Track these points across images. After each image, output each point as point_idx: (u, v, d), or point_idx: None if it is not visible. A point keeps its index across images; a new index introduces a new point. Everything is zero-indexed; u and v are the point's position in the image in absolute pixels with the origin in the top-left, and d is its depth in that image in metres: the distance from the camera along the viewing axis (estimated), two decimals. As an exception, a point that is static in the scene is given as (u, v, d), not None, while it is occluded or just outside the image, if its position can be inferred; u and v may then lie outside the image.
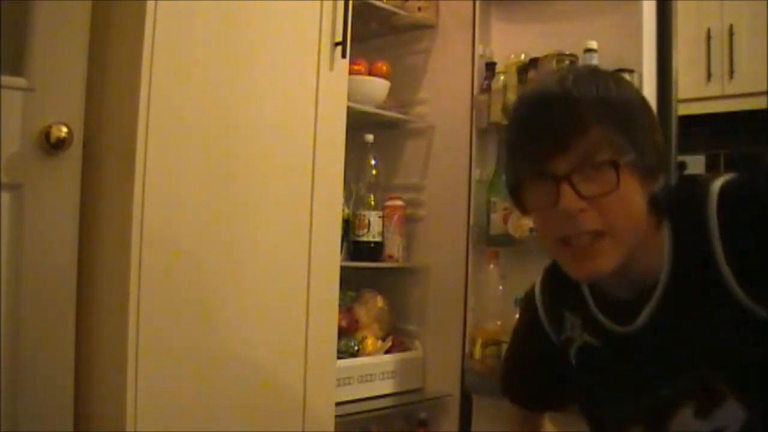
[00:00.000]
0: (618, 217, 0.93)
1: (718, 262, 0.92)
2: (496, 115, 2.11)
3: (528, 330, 1.24)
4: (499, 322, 2.06)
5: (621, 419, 1.06)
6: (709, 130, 2.67)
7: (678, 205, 0.99)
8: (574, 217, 0.92)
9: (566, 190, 0.91)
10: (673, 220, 0.98)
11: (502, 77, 2.12)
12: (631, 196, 0.93)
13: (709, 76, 2.11)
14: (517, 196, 1.02)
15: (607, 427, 1.10)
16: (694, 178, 0.99)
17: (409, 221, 2.27)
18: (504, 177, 1.03)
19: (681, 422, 0.97)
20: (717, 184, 0.94)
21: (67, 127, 1.44)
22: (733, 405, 0.93)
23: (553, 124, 0.93)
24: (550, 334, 1.16)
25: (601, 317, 1.05)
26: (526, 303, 1.24)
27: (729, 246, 0.91)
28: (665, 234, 0.98)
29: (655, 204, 0.98)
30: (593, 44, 1.91)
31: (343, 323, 2.03)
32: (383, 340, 2.15)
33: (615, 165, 0.91)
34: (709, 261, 0.92)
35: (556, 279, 1.11)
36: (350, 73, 1.88)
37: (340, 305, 1.85)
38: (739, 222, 0.91)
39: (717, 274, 0.92)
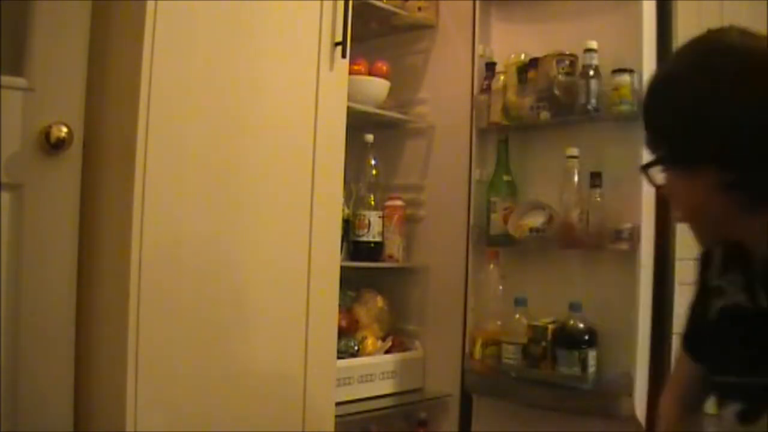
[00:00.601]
0: (679, 206, 1.04)
1: None
2: (496, 115, 2.11)
3: (700, 269, 1.22)
4: (499, 322, 2.06)
5: (728, 388, 1.06)
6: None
7: None
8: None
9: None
10: None
11: (502, 77, 2.12)
12: (681, 192, 1.02)
13: (709, 76, 2.11)
14: None
15: (713, 390, 1.11)
16: None
17: (409, 221, 2.27)
18: None
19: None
20: None
21: (67, 127, 1.44)
22: None
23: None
24: (710, 276, 1.16)
25: (757, 285, 1.04)
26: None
27: None
28: None
29: (744, 190, 0.97)
30: (593, 44, 1.91)
31: (343, 323, 2.03)
32: (383, 340, 2.15)
33: (646, 166, 1.03)
34: None
35: None
36: (350, 73, 1.88)
37: (340, 305, 1.85)
38: None
39: None
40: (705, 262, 1.17)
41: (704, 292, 1.15)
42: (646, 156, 1.05)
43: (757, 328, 1.03)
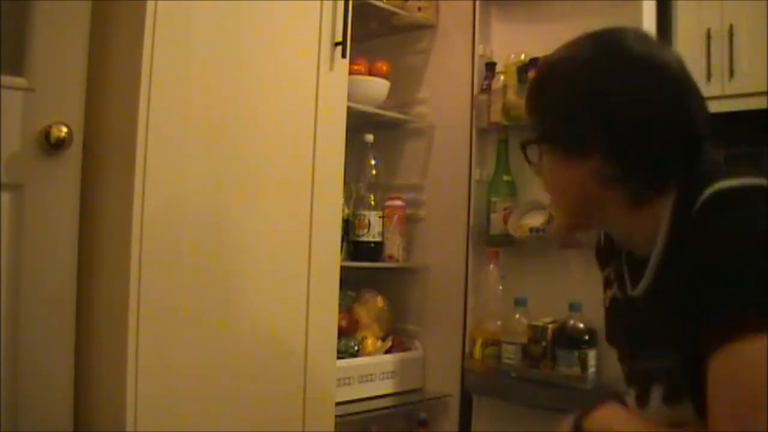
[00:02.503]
0: (549, 183, 1.07)
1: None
2: (496, 115, 2.11)
3: (598, 262, 1.26)
4: (499, 322, 2.06)
5: (625, 375, 1.10)
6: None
7: (685, 189, 0.96)
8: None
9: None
10: (676, 200, 0.96)
11: (502, 77, 2.12)
12: (554, 172, 1.05)
13: (709, 76, 2.10)
14: None
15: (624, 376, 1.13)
16: (716, 167, 0.96)
17: (409, 221, 2.27)
18: None
19: (654, 402, 1.00)
20: (717, 186, 0.90)
21: (67, 127, 1.44)
22: (688, 405, 0.93)
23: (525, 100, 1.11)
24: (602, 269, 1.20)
25: (625, 273, 1.07)
26: (597, 234, 1.28)
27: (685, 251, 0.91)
28: (666, 208, 0.97)
29: (631, 184, 0.98)
30: (593, 44, 1.91)
31: (343, 323, 2.03)
32: (383, 340, 2.15)
33: (524, 144, 1.08)
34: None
35: None
36: (350, 73, 1.88)
37: (340, 305, 1.85)
38: (696, 237, 0.89)
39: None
40: (597, 251, 1.23)
41: (604, 283, 1.19)
42: (529, 134, 1.08)
43: (630, 314, 1.06)
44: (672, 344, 0.95)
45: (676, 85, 0.98)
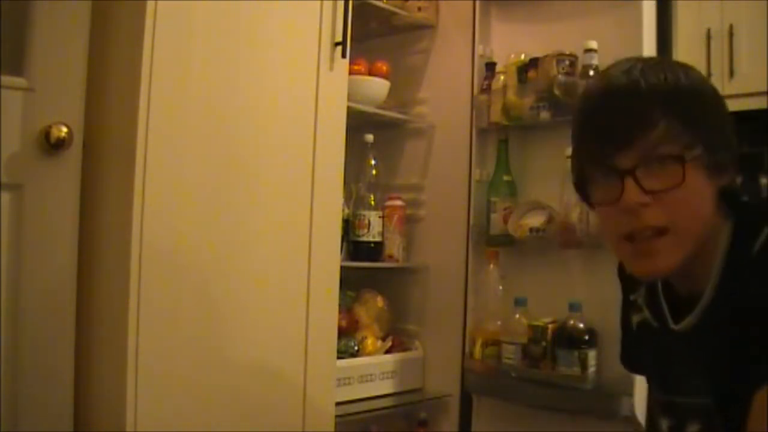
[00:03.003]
0: (682, 214, 0.90)
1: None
2: (496, 115, 2.11)
3: (620, 282, 1.21)
4: (499, 322, 2.06)
5: (658, 403, 1.07)
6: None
7: (745, 209, 0.95)
8: (637, 213, 0.90)
9: (630, 184, 0.89)
10: (735, 230, 0.94)
11: (502, 77, 2.12)
12: (698, 193, 0.91)
13: (709, 76, 2.10)
14: (583, 190, 1.01)
15: (651, 401, 1.11)
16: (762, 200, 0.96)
17: (409, 221, 2.27)
18: (572, 165, 1.02)
19: None
20: None
21: (67, 127, 1.44)
22: None
23: (619, 117, 0.91)
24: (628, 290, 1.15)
25: (663, 303, 1.04)
26: None
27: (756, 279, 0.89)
28: (725, 234, 0.94)
29: (724, 200, 0.95)
30: (593, 44, 1.91)
31: (343, 323, 2.03)
32: (383, 340, 2.15)
33: (680, 160, 0.88)
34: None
35: None
36: (350, 73, 1.88)
37: (340, 305, 1.85)
38: (760, 279, 0.87)
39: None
40: (621, 274, 1.16)
41: (626, 305, 1.15)
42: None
43: (668, 347, 1.03)
44: (712, 381, 0.94)
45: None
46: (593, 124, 0.95)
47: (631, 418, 1.80)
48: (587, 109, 0.97)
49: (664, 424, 1.04)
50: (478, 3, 2.20)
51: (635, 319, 1.11)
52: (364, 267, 2.12)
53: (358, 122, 2.01)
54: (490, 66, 2.17)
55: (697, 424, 0.97)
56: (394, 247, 2.19)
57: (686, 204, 0.90)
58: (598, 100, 0.96)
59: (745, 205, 0.96)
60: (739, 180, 0.99)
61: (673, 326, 1.00)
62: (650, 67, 0.93)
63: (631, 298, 1.12)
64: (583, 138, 0.97)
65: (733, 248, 0.92)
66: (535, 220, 2.00)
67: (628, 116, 0.90)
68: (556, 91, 1.96)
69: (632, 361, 1.19)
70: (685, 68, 0.95)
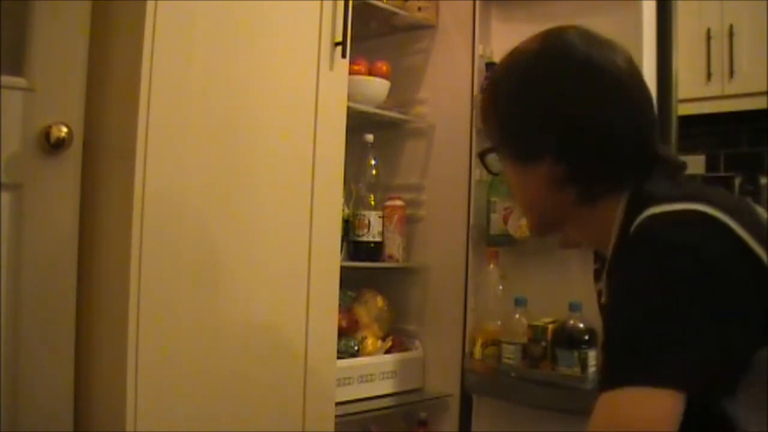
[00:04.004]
0: (513, 191, 1.12)
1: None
2: (496, 115, 2.11)
3: None
4: (499, 322, 2.06)
5: None
6: (709, 130, 2.67)
7: (634, 200, 0.98)
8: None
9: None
10: (626, 210, 0.98)
11: (502, 77, 2.12)
12: (515, 178, 1.08)
13: (709, 76, 2.11)
14: None
15: None
16: (667, 186, 0.98)
17: (409, 221, 2.27)
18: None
19: None
20: (653, 210, 0.91)
21: (67, 127, 1.44)
22: None
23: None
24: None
25: (605, 282, 1.08)
26: None
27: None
28: (618, 215, 0.99)
29: (581, 185, 1.01)
30: (593, 44, 1.91)
31: (343, 323, 2.03)
32: (383, 340, 2.15)
33: (487, 152, 1.13)
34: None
35: None
36: (350, 73, 1.88)
37: (340, 305, 1.85)
38: (623, 257, 0.94)
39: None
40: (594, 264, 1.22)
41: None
42: (482, 144, 1.13)
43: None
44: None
45: (618, 85, 1.00)
46: None
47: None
48: None
49: None
50: (478, 3, 2.20)
51: (602, 299, 1.16)
52: (364, 267, 2.12)
53: (358, 122, 2.01)
54: (490, 66, 2.17)
55: None
56: (394, 247, 2.19)
57: (511, 185, 1.12)
58: None
59: (639, 183, 0.99)
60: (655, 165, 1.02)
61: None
62: (517, 51, 1.07)
63: (597, 287, 1.19)
64: None
65: (622, 228, 0.98)
66: (535, 220, 2.00)
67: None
68: (556, 91, 1.95)
69: None
70: (529, 47, 1.05)
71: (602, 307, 1.16)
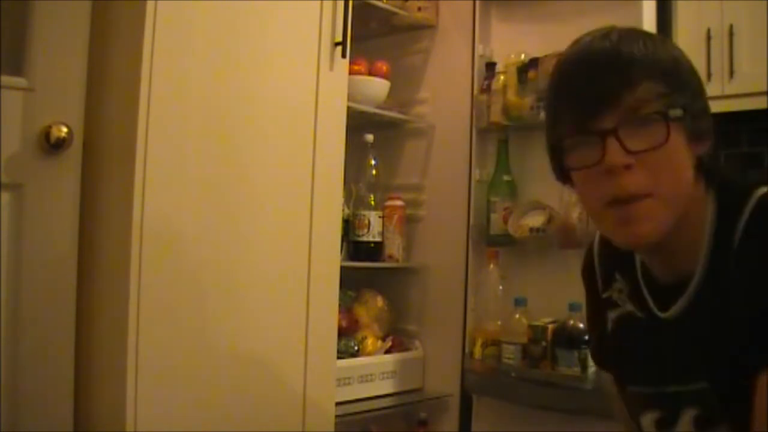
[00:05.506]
0: (665, 177, 0.87)
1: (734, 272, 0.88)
2: (496, 115, 2.11)
3: (586, 283, 1.18)
4: (499, 322, 2.06)
5: (641, 397, 1.04)
6: (709, 130, 2.65)
7: (726, 187, 0.93)
8: (620, 175, 0.87)
9: (612, 144, 0.86)
10: (720, 201, 0.92)
11: (502, 77, 2.12)
12: (680, 156, 0.89)
13: (709, 76, 2.10)
14: (557, 157, 0.96)
15: (628, 399, 1.08)
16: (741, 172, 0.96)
17: (409, 221, 2.27)
18: (546, 137, 0.97)
19: (683, 427, 0.95)
20: (763, 190, 0.87)
21: (67, 127, 1.44)
22: (723, 429, 0.89)
23: (600, 77, 0.89)
24: (599, 288, 1.12)
25: (646, 293, 1.01)
26: (586, 253, 1.18)
27: (744, 264, 0.86)
28: (709, 212, 0.92)
29: (703, 170, 0.92)
30: (593, 44, 1.91)
31: (343, 323, 2.03)
32: (383, 340, 2.15)
33: (665, 118, 0.86)
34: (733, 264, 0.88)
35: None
36: (350, 73, 1.88)
37: (340, 305, 1.85)
38: (758, 246, 0.85)
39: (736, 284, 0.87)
40: (588, 274, 1.14)
41: (596, 303, 1.12)
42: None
43: (656, 336, 1.00)
44: (709, 366, 0.91)
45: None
46: (573, 86, 0.92)
47: (634, 417, 1.80)
48: (565, 73, 0.95)
49: (649, 417, 1.01)
50: (478, 3, 2.21)
51: (612, 315, 1.08)
52: (364, 267, 2.12)
53: (358, 122, 2.01)
54: (490, 66, 2.17)
55: (693, 411, 0.94)
56: (394, 247, 2.19)
57: (669, 166, 0.88)
58: (577, 64, 0.94)
59: (726, 180, 0.94)
60: (717, 154, 0.96)
61: (659, 314, 0.98)
62: (627, 32, 0.92)
63: (604, 296, 1.10)
64: (562, 102, 0.94)
65: (719, 229, 0.90)
66: (535, 220, 2.00)
67: (609, 75, 0.88)
68: (556, 91, 1.95)
69: (605, 360, 1.16)
70: (662, 38, 0.96)
71: (617, 336, 1.09)
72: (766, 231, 0.84)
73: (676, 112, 0.87)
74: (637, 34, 0.92)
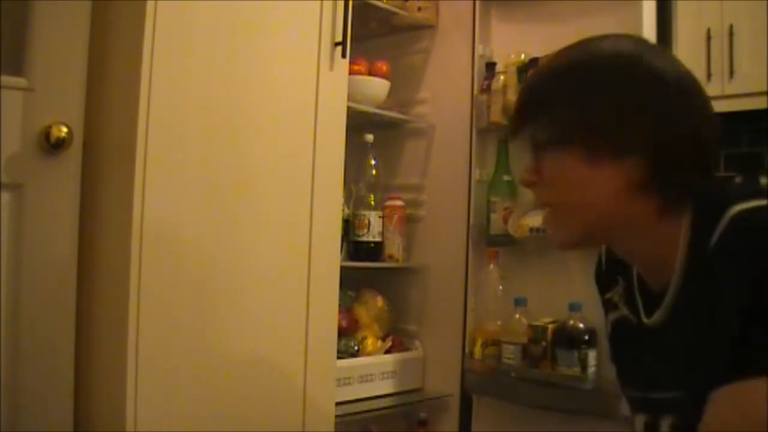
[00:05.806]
0: (560, 196, 0.96)
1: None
2: (496, 115, 2.11)
3: (597, 285, 1.19)
4: (499, 322, 2.06)
5: (631, 401, 1.07)
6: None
7: (702, 208, 0.91)
8: (531, 187, 1.00)
9: (530, 161, 0.98)
10: (694, 221, 0.91)
11: (502, 77, 2.12)
12: (575, 179, 0.93)
13: (709, 76, 2.10)
14: None
15: (628, 401, 1.10)
16: (725, 187, 0.94)
17: (409, 221, 2.27)
18: None
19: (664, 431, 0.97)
20: (741, 206, 0.85)
21: (67, 127, 1.44)
22: None
23: (519, 101, 1.00)
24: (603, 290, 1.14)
25: (638, 299, 1.03)
26: (598, 254, 1.19)
27: (715, 282, 0.87)
28: (684, 230, 0.92)
29: (664, 187, 0.91)
30: (593, 44, 1.91)
31: (343, 323, 2.03)
32: (383, 340, 2.15)
33: (544, 149, 0.95)
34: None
35: None
36: (350, 73, 1.88)
37: (340, 305, 1.85)
38: (728, 264, 0.85)
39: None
40: (597, 274, 1.16)
41: (604, 306, 1.14)
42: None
43: (642, 342, 1.01)
44: (684, 376, 0.93)
45: (699, 90, 0.95)
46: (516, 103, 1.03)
47: (631, 418, 1.80)
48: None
49: (640, 420, 1.03)
50: (478, 3, 2.20)
51: (611, 317, 1.10)
52: (364, 267, 2.12)
53: (358, 122, 2.01)
54: (490, 66, 2.17)
55: (671, 418, 0.96)
56: (394, 247, 2.19)
57: (562, 187, 0.95)
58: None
59: (704, 195, 0.93)
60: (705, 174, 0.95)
61: (645, 320, 1.00)
62: (571, 48, 0.97)
63: (606, 297, 1.12)
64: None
65: (693, 240, 0.90)
66: (535, 220, 2.00)
67: (522, 103, 1.00)
68: (556, 91, 1.95)
69: (613, 361, 1.18)
70: (614, 51, 0.94)
71: (613, 338, 1.11)
72: (735, 251, 0.84)
73: (566, 142, 0.93)
74: (578, 48, 0.96)
